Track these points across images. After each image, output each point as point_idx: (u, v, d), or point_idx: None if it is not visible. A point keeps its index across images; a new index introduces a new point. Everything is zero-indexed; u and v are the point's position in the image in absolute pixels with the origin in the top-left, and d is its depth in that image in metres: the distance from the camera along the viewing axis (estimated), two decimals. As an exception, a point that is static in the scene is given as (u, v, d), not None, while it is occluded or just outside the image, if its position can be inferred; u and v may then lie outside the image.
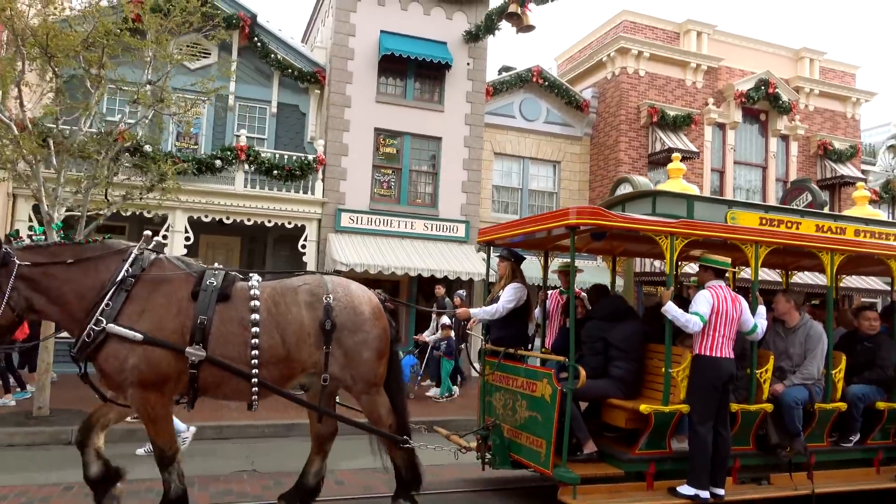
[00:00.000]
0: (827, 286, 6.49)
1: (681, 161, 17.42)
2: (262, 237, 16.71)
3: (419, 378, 12.69)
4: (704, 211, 6.18)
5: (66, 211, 9.66)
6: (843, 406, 6.34)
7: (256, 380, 4.89)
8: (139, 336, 4.59)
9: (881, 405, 6.49)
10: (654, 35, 18.70)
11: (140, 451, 7.62)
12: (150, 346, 4.64)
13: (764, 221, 6.25)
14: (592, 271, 14.16)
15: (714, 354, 5.56)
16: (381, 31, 16.03)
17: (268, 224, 14.96)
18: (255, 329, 4.88)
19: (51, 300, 4.77)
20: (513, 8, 13.68)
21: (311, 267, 15.15)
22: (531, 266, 8.03)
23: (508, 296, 6.50)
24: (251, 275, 5.27)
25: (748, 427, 5.99)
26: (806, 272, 9.48)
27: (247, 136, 14.86)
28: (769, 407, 6.00)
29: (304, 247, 15.03)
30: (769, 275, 12.71)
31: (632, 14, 18.66)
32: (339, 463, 7.25)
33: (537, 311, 7.52)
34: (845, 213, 7.69)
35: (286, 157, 15.05)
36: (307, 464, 5.69)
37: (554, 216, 5.90)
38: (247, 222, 14.68)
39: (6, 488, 6.20)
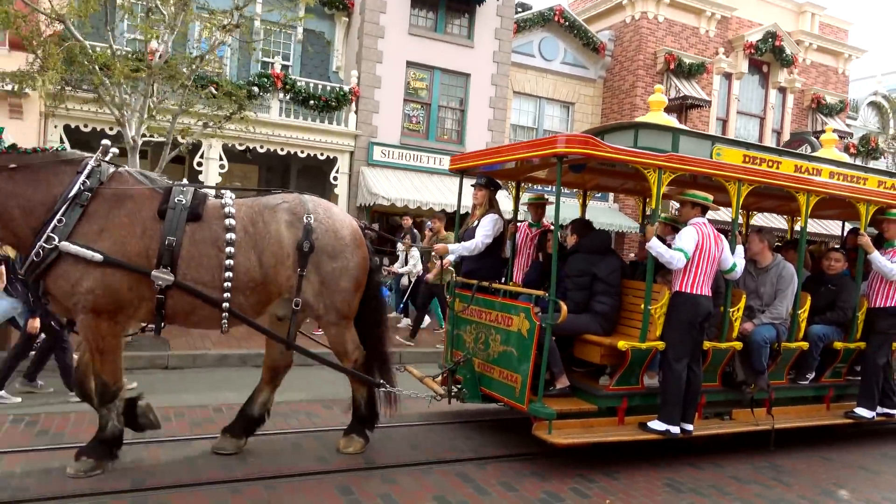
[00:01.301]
0: (787, 228, 6.35)
1: (691, 109, 18.28)
2: (280, 167, 16.49)
3: (400, 313, 12.01)
4: (689, 145, 5.82)
5: (143, 137, 9.49)
6: (805, 345, 6.29)
7: (227, 305, 4.43)
8: (98, 256, 4.07)
9: (838, 345, 6.52)
10: (673, -20, 18.84)
11: None
12: (110, 268, 4.13)
13: (747, 159, 5.96)
14: (564, 207, 13.90)
15: (694, 292, 5.38)
16: (413, -40, 15.72)
17: (300, 155, 14.58)
18: (229, 249, 4.40)
19: None
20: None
21: (342, 200, 15.11)
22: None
23: (487, 229, 6.12)
24: (224, 191, 4.75)
25: (717, 364, 5.87)
26: (764, 213, 9.34)
27: (276, 63, 14.29)
28: (739, 345, 5.89)
29: (335, 179, 14.80)
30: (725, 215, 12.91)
31: (653, -43, 18.60)
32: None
33: (507, 245, 7.04)
34: (816, 154, 7.45)
35: (320, 86, 14.55)
36: (255, 392, 5.25)
37: (541, 143, 5.50)
38: (280, 152, 14.31)
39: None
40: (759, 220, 11.74)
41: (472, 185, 6.47)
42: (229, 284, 4.40)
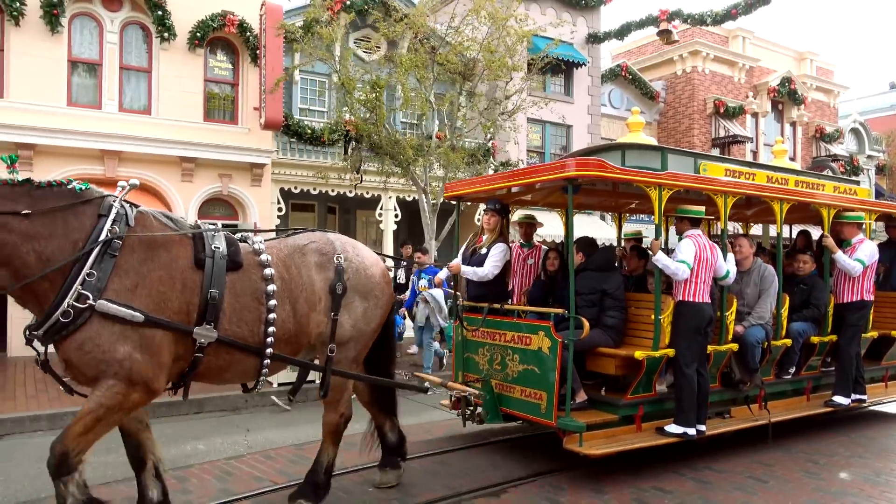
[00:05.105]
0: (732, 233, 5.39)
1: (732, 144, 21.60)
2: (407, 211, 18.01)
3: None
4: (676, 163, 5.35)
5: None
6: (789, 342, 5.87)
7: (268, 360, 3.60)
8: (139, 316, 3.11)
9: (815, 339, 6.16)
10: (712, 38, 19.03)
11: None
12: (150, 329, 3.17)
13: (728, 172, 5.59)
14: (554, 225, 12.33)
15: (697, 300, 4.91)
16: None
17: (453, 202, 16.74)
18: (271, 302, 3.55)
19: None
20: (663, 26, 16.57)
21: (486, 239, 17.11)
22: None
23: (496, 259, 5.48)
24: (247, 234, 3.89)
25: (717, 366, 5.44)
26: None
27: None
28: (735, 346, 5.44)
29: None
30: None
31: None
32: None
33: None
34: (773, 164, 6.96)
35: (466, 143, 14.66)
36: (379, 427, 4.60)
37: (551, 168, 4.91)
38: (433, 200, 16.46)
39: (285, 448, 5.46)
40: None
41: (484, 211, 5.73)
42: (272, 339, 3.56)
